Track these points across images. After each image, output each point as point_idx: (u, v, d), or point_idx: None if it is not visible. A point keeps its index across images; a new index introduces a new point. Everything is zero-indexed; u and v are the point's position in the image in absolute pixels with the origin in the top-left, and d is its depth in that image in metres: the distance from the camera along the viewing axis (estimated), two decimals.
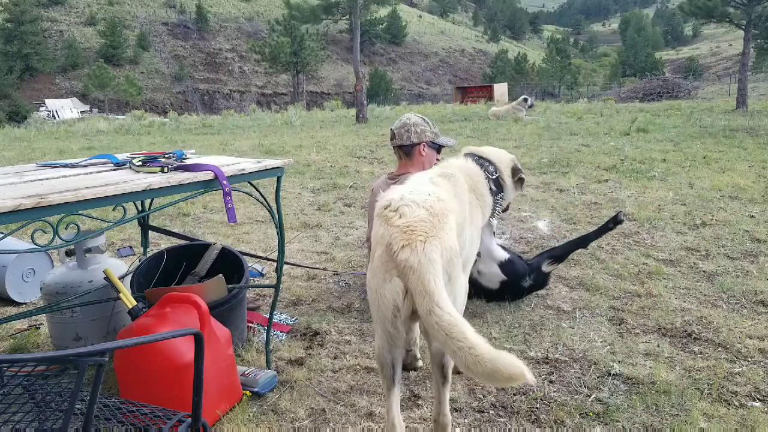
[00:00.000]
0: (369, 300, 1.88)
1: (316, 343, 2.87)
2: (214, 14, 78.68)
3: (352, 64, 24.26)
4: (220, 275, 2.60)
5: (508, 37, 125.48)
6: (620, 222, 3.32)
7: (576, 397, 2.34)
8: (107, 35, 63.17)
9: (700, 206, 5.42)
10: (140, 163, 2.25)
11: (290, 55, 49.88)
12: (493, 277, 3.23)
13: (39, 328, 3.12)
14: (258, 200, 2.43)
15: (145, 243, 3.20)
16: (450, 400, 2.06)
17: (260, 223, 5.32)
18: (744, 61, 18.63)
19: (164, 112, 41.58)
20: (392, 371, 1.89)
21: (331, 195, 6.53)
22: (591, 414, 2.22)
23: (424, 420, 2.20)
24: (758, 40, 27.31)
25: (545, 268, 3.32)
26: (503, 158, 2.59)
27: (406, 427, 2.06)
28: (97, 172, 2.25)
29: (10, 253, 2.73)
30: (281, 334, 2.96)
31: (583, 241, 3.48)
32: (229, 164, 2.34)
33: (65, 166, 2.42)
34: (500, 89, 37.34)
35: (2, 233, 1.77)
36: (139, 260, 3.08)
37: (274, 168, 2.40)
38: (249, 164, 2.36)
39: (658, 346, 2.75)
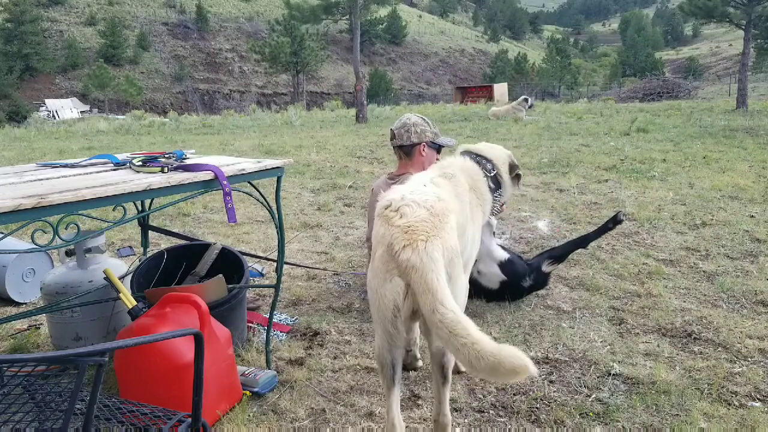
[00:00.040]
0: (369, 300, 1.88)
1: (316, 343, 2.87)
2: (214, 14, 78.68)
3: (352, 64, 24.26)
4: (220, 275, 2.60)
5: (508, 37, 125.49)
6: (620, 222, 3.32)
7: (576, 397, 2.34)
8: (107, 35, 63.17)
9: (700, 206, 5.42)
10: (140, 163, 2.25)
11: (290, 55, 49.87)
12: (493, 277, 3.23)
13: (39, 328, 3.12)
14: (258, 200, 2.43)
15: (145, 243, 3.20)
16: (450, 400, 2.06)
17: (260, 223, 5.32)
18: (744, 61, 18.63)
19: (164, 112, 41.58)
20: (392, 371, 1.89)
21: (331, 195, 6.53)
22: (591, 414, 2.22)
23: (424, 420, 2.20)
24: (758, 40, 27.31)
25: (545, 268, 3.32)
26: (500, 155, 2.59)
27: (406, 427, 2.07)
28: (97, 172, 2.25)
29: (10, 253, 2.73)
30: (281, 334, 2.96)
31: (582, 241, 3.48)
32: (229, 164, 2.34)
33: (65, 166, 2.42)
34: (500, 89, 37.33)
35: (2, 233, 1.77)
36: (139, 260, 3.08)
37: (274, 168, 2.40)
38: (249, 164, 2.36)
39: (658, 346, 2.75)
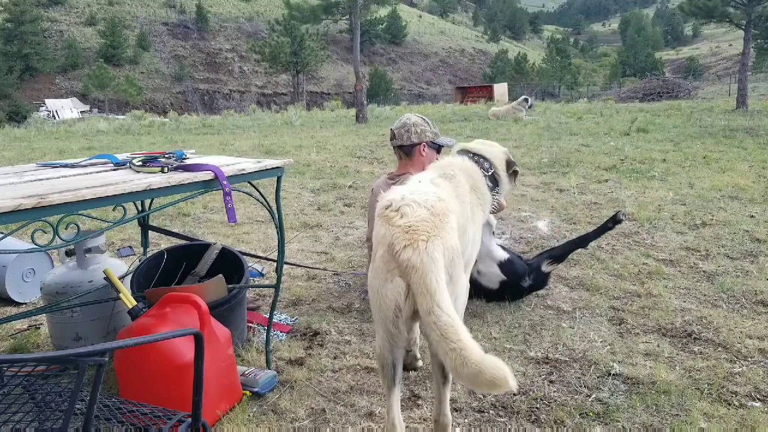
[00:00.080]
0: (370, 300, 1.88)
1: (316, 343, 2.87)
2: (214, 14, 78.68)
3: (352, 64, 24.26)
4: (220, 275, 2.60)
5: (508, 37, 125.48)
6: (619, 222, 3.32)
7: (576, 397, 2.34)
8: (107, 35, 63.17)
9: (700, 206, 5.42)
10: (140, 163, 2.25)
11: (290, 55, 49.87)
12: (493, 277, 3.23)
13: (39, 328, 3.12)
14: (258, 200, 2.43)
15: (145, 243, 3.20)
16: (450, 400, 2.06)
17: (260, 223, 5.32)
18: (744, 61, 18.63)
19: (164, 112, 41.58)
20: (393, 371, 1.89)
21: (331, 195, 6.53)
22: (591, 414, 2.22)
23: (424, 420, 2.20)
24: (758, 40, 27.30)
25: (545, 268, 3.32)
26: (497, 153, 2.59)
27: (407, 427, 2.07)
28: (97, 172, 2.25)
29: (10, 253, 2.73)
30: (281, 334, 2.96)
31: (582, 241, 3.48)
32: (229, 164, 2.34)
33: (65, 166, 2.42)
34: (500, 89, 37.33)
35: (2, 233, 1.77)
36: (139, 260, 3.08)
37: (274, 168, 2.40)
38: (249, 164, 2.36)
39: (658, 346, 2.75)
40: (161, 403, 1.61)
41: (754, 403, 2.27)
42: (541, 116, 17.26)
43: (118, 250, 4.26)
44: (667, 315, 3.09)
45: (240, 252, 3.04)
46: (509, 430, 2.15)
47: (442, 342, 1.56)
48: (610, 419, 2.18)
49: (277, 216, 2.47)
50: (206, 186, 2.15)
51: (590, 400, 2.32)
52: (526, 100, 17.04)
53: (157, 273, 2.85)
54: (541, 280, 3.32)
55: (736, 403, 2.27)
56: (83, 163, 2.46)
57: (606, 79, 68.55)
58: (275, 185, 2.49)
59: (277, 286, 2.63)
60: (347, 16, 23.52)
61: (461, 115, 19.48)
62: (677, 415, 2.20)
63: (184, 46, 72.00)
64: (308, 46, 50.66)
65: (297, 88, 53.67)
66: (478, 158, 2.46)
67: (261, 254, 4.16)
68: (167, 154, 2.47)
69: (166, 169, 2.13)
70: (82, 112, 45.34)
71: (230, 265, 2.91)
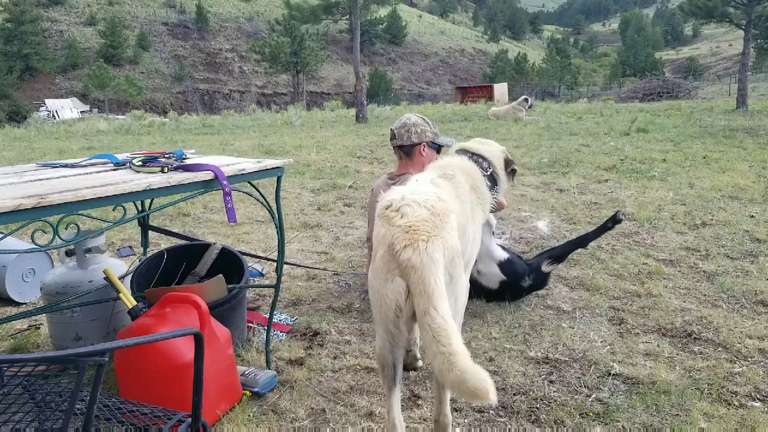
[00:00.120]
0: (371, 300, 1.88)
1: (316, 343, 2.87)
2: (214, 14, 78.68)
3: (352, 64, 24.25)
4: (220, 275, 2.60)
5: (508, 37, 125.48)
6: (619, 221, 3.32)
7: (576, 397, 2.34)
8: (107, 35, 63.17)
9: (700, 206, 5.42)
10: (140, 163, 2.25)
11: (290, 55, 49.87)
12: (493, 277, 3.23)
13: (39, 328, 3.12)
14: (258, 200, 2.43)
15: (145, 243, 3.20)
16: (450, 400, 2.06)
17: (260, 223, 5.32)
18: (744, 61, 18.63)
19: (164, 112, 41.58)
20: (393, 371, 1.89)
21: (331, 195, 6.53)
22: (591, 414, 2.22)
23: (424, 420, 2.20)
24: (758, 40, 27.30)
25: (545, 268, 3.32)
26: (495, 152, 2.59)
27: (407, 427, 2.06)
28: (97, 172, 2.25)
29: (10, 253, 2.73)
30: (281, 334, 2.96)
31: (582, 241, 3.47)
32: (229, 164, 2.34)
33: (65, 166, 2.42)
34: (500, 89, 37.34)
35: (2, 233, 1.77)
36: (139, 260, 3.08)
37: (274, 168, 2.40)
38: (249, 164, 2.36)
39: (658, 346, 2.75)
40: (161, 403, 1.61)
41: (754, 403, 2.27)
42: (541, 116, 17.26)
43: (118, 250, 4.26)
44: (667, 315, 3.09)
45: (240, 252, 3.04)
46: (509, 430, 2.15)
47: (432, 344, 1.57)
48: (610, 419, 2.18)
49: (277, 216, 2.47)
50: (206, 186, 2.15)
51: (590, 400, 2.32)
52: (526, 100, 17.05)
53: (157, 273, 2.85)
54: (541, 280, 3.32)
55: (736, 403, 2.27)
56: (83, 163, 2.46)
57: (606, 79, 68.55)
58: (275, 185, 2.49)
59: (277, 286, 2.63)
60: (347, 16, 23.52)
61: (461, 115, 19.48)
62: (677, 415, 2.20)
63: (184, 46, 72.00)
64: (308, 46, 50.66)
65: (297, 88, 53.67)
66: (476, 158, 2.46)
67: (261, 254, 4.16)
68: (167, 154, 2.47)
69: (166, 169, 2.13)
70: (82, 112, 45.35)
71: (230, 265, 2.91)
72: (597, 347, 2.76)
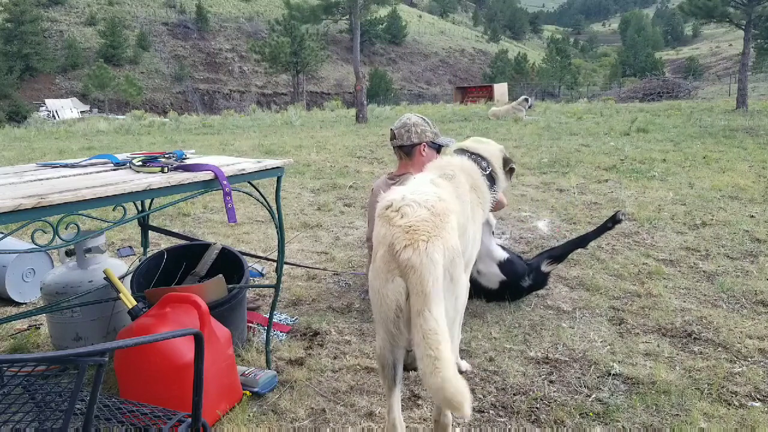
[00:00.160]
0: (371, 300, 1.88)
1: (316, 343, 2.87)
2: (214, 14, 78.68)
3: (352, 64, 24.25)
4: (220, 275, 2.60)
5: (508, 37, 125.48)
6: (619, 221, 3.32)
7: (576, 397, 2.34)
8: (107, 35, 63.17)
9: (700, 206, 5.42)
10: (140, 163, 2.25)
11: (290, 55, 49.87)
12: (493, 276, 3.23)
13: (39, 328, 3.12)
14: (258, 200, 2.43)
15: (145, 243, 3.20)
16: None
17: (260, 223, 5.32)
18: (744, 61, 18.63)
19: (164, 112, 41.58)
20: (393, 372, 1.90)
21: (331, 195, 6.53)
22: (591, 414, 2.22)
23: (424, 420, 2.20)
24: (758, 40, 27.31)
25: (545, 268, 3.32)
26: (493, 151, 2.59)
27: (407, 427, 2.07)
28: (97, 172, 2.25)
29: (10, 253, 2.73)
30: (281, 334, 2.96)
31: (582, 241, 3.47)
32: (229, 164, 2.34)
33: (65, 166, 2.42)
34: (500, 89, 37.35)
35: (2, 233, 1.77)
36: (139, 260, 3.08)
37: (274, 168, 2.40)
38: (249, 164, 2.36)
39: (658, 346, 2.75)
40: (161, 403, 1.61)
41: (754, 403, 2.27)
42: (541, 116, 17.27)
43: (118, 250, 4.26)
44: (667, 315, 3.09)
45: (240, 252, 3.03)
46: (509, 430, 2.15)
47: (421, 345, 1.58)
48: (610, 419, 2.18)
49: (277, 216, 2.47)
50: (206, 186, 2.15)
51: (590, 400, 2.32)
52: (526, 100, 17.05)
53: (157, 273, 2.85)
54: (540, 280, 3.32)
55: (736, 403, 2.27)
56: (83, 163, 2.46)
57: (606, 79, 68.56)
58: (275, 185, 2.49)
59: (277, 286, 2.63)
60: (347, 16, 23.52)
61: (461, 115, 19.49)
62: (677, 415, 2.20)
63: (184, 46, 71.99)
64: (308, 46, 50.66)
65: (297, 88, 53.67)
66: (475, 157, 2.46)
67: (261, 254, 4.16)
68: (167, 154, 2.47)
69: (166, 169, 2.13)
70: (82, 112, 45.35)
71: (230, 265, 2.91)
72: (597, 347, 2.76)
